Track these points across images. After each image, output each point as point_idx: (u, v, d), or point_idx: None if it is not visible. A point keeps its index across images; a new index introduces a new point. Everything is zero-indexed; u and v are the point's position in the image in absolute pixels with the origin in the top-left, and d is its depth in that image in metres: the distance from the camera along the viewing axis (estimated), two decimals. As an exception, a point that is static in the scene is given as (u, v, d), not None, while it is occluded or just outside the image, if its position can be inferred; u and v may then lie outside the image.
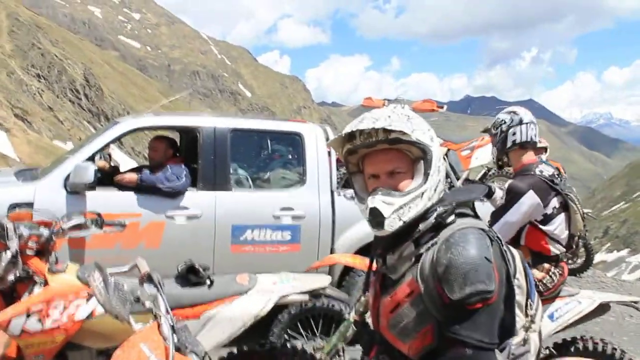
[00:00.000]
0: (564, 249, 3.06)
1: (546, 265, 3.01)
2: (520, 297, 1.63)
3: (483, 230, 1.54)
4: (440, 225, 1.56)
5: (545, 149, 5.89)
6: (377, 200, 1.55)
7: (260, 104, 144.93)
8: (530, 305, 1.68)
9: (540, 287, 2.96)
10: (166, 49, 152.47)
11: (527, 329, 1.67)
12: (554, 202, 2.99)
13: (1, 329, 2.35)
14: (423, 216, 1.57)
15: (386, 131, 1.53)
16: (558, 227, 3.00)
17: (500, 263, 1.51)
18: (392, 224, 1.55)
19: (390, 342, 1.63)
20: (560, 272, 3.03)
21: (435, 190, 1.58)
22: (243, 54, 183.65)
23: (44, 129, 35.02)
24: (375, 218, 1.56)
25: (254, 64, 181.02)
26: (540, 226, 2.98)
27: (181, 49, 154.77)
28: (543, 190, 2.95)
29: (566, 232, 3.04)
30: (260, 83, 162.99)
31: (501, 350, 1.54)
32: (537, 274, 2.98)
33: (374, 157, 1.60)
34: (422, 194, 1.55)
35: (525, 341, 1.66)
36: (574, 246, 3.13)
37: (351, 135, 1.60)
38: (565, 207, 3.02)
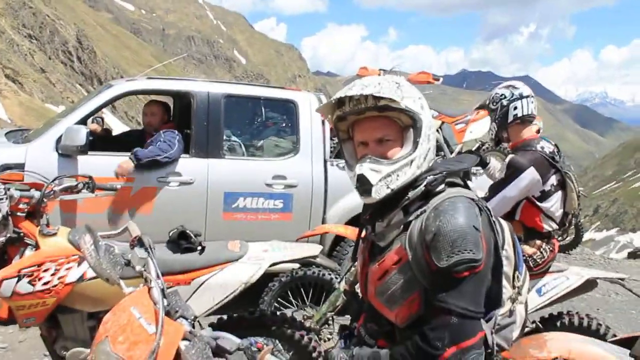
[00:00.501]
0: (557, 227, 3.07)
1: (538, 242, 3.02)
2: (507, 268, 1.64)
3: (472, 199, 1.53)
4: (429, 194, 1.55)
5: (538, 130, 5.88)
6: (364, 168, 1.54)
7: (255, 72, 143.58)
8: (518, 277, 1.69)
9: (530, 262, 2.98)
10: (161, 13, 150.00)
11: (513, 300, 1.68)
12: (553, 180, 2.99)
13: (-8, 291, 2.35)
14: (412, 184, 1.56)
15: (375, 98, 1.52)
16: (554, 204, 3.01)
17: (488, 233, 1.51)
18: (379, 192, 1.54)
19: (377, 309, 1.64)
20: (551, 248, 3.04)
21: (424, 158, 1.56)
22: (239, 20, 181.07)
23: (36, 91, 34.58)
24: (363, 185, 1.55)
25: (250, 30, 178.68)
26: (537, 203, 2.99)
27: (176, 13, 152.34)
28: (543, 167, 2.94)
29: (561, 210, 3.05)
30: (255, 50, 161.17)
31: (487, 321, 1.55)
32: (528, 249, 3.00)
33: (363, 124, 1.59)
34: (411, 161, 1.54)
35: (511, 312, 1.67)
36: (567, 224, 3.14)
37: (341, 102, 1.59)
38: (562, 185, 3.02)
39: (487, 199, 2.96)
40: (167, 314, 1.47)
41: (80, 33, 49.40)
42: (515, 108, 3.08)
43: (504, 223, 1.70)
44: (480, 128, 6.55)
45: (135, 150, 4.24)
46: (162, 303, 1.45)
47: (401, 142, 1.56)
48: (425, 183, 1.55)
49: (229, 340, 1.43)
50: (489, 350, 1.54)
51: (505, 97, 3.12)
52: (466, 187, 1.63)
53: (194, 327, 1.54)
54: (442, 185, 1.56)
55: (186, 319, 1.54)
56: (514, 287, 1.68)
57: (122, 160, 4.20)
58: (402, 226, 1.56)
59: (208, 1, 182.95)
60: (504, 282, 1.61)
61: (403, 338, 1.54)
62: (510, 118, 3.11)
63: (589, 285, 3.19)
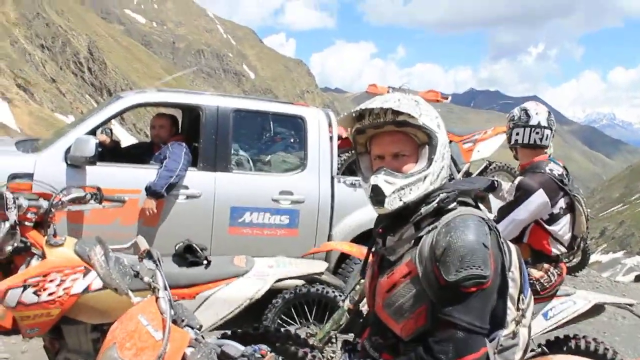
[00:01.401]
0: (565, 250, 3.04)
1: (545, 265, 2.99)
2: (513, 290, 1.66)
3: (482, 218, 1.58)
4: (441, 211, 1.60)
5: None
6: (379, 179, 1.60)
7: (264, 87, 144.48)
8: (523, 299, 1.71)
9: (537, 286, 2.95)
10: (172, 26, 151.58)
11: (517, 322, 1.70)
12: (561, 203, 2.96)
13: (-3, 300, 2.36)
14: (424, 200, 1.61)
15: (394, 113, 1.58)
16: (562, 227, 2.98)
17: (496, 252, 1.56)
18: (392, 203, 1.59)
19: (384, 322, 1.66)
20: (558, 272, 3.01)
21: (437, 176, 1.62)
22: (249, 35, 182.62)
23: (46, 101, 34.92)
24: (377, 196, 1.60)
25: (259, 45, 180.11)
26: (546, 226, 2.95)
27: (187, 26, 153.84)
28: (552, 190, 2.91)
29: (569, 234, 3.02)
30: (264, 65, 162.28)
31: (490, 341, 1.57)
32: (535, 272, 2.97)
33: (380, 138, 1.65)
34: (425, 177, 1.59)
35: (514, 334, 1.69)
36: (576, 247, 3.10)
37: (361, 115, 1.65)
38: (571, 207, 2.99)
39: (497, 221, 2.93)
40: (174, 322, 1.51)
41: (91, 44, 50.00)
42: (517, 134, 3.07)
43: (512, 246, 1.73)
44: (488, 147, 6.56)
45: (148, 186, 4.20)
46: (169, 312, 1.48)
47: (416, 158, 1.62)
48: (438, 200, 1.60)
49: (233, 347, 1.46)
50: None
51: (512, 120, 3.12)
52: (477, 207, 1.67)
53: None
54: (454, 204, 1.62)
55: (192, 327, 1.57)
56: (518, 309, 1.70)
57: (145, 202, 4.20)
58: (412, 241, 1.60)
59: (218, 15, 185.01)
60: (509, 303, 1.64)
61: (407, 352, 1.57)
62: (512, 142, 3.12)
63: (596, 309, 3.15)
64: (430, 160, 1.60)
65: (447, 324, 1.47)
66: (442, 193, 1.61)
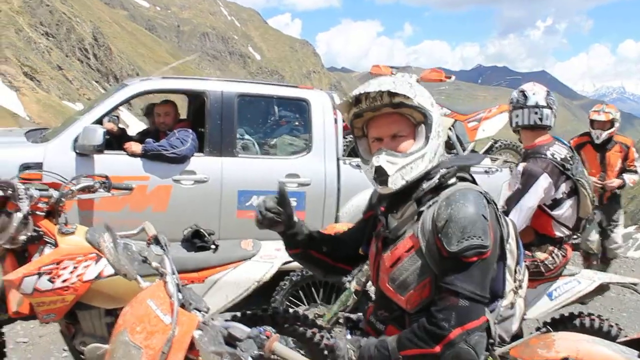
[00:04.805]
0: (570, 232, 3.04)
1: (550, 247, 3.00)
2: (510, 261, 1.73)
3: (481, 192, 1.64)
4: (441, 186, 1.66)
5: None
6: (381, 160, 1.64)
7: (270, 68, 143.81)
8: (519, 270, 1.79)
9: (542, 267, 2.96)
10: (176, 9, 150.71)
11: (515, 292, 1.77)
12: (564, 187, 2.95)
13: (14, 287, 2.43)
14: (426, 177, 1.67)
15: (390, 95, 1.62)
16: (566, 211, 2.97)
17: (495, 224, 1.62)
18: (395, 182, 1.64)
19: (389, 296, 1.72)
20: (563, 254, 3.02)
21: (435, 153, 1.67)
22: (253, 16, 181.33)
23: (53, 88, 35.03)
24: (380, 176, 1.65)
25: (264, 26, 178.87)
26: (548, 210, 2.95)
27: (191, 10, 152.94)
28: (554, 175, 2.90)
29: (574, 216, 3.01)
30: (270, 46, 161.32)
31: (491, 311, 1.64)
32: (539, 254, 2.98)
33: (378, 121, 1.70)
34: (423, 155, 1.64)
35: (512, 305, 1.76)
36: (581, 229, 3.10)
37: (357, 100, 1.69)
38: (575, 190, 2.97)
39: (507, 212, 2.91)
40: (182, 306, 1.55)
41: (96, 30, 49.90)
42: (517, 116, 3.07)
43: (508, 219, 1.80)
44: (493, 126, 6.55)
45: (148, 140, 4.42)
46: (176, 296, 1.53)
47: (413, 137, 1.67)
48: (439, 175, 1.66)
49: (239, 329, 1.51)
50: (491, 341, 1.63)
51: (512, 102, 3.11)
52: (474, 182, 1.73)
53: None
54: (454, 179, 1.68)
55: (200, 311, 1.61)
56: (515, 280, 1.77)
57: (134, 143, 4.39)
58: (415, 217, 1.66)
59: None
60: (507, 274, 1.71)
61: (413, 322, 1.63)
62: (513, 124, 3.12)
63: (602, 289, 3.14)
64: (427, 139, 1.65)
65: (449, 293, 1.53)
66: (441, 169, 1.67)
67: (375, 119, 1.70)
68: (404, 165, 1.63)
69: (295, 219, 1.93)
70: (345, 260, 2.01)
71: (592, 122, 5.54)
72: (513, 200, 2.96)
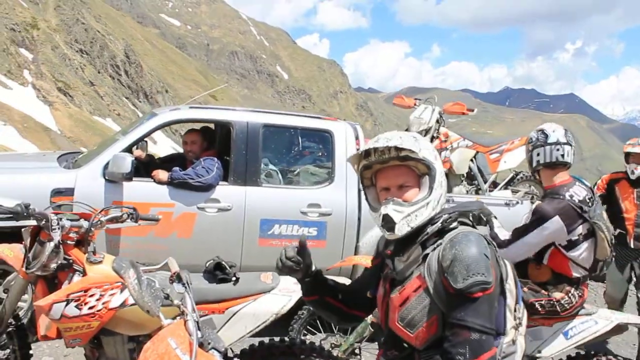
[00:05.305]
0: (587, 273, 3.02)
1: (566, 287, 3.00)
2: (510, 300, 1.82)
3: (481, 234, 1.77)
4: (444, 230, 1.81)
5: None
6: (389, 208, 1.79)
7: (297, 87, 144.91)
8: (518, 309, 1.89)
9: (557, 307, 2.97)
10: (206, 28, 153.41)
11: (515, 329, 1.85)
12: (580, 229, 2.93)
13: (44, 313, 2.55)
14: (429, 222, 1.81)
15: (397, 149, 1.78)
16: (583, 253, 2.96)
17: (495, 263, 1.74)
18: (401, 229, 1.79)
19: (398, 334, 1.83)
20: (580, 294, 3.01)
21: (438, 202, 1.82)
22: (282, 36, 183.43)
23: (85, 104, 35.86)
24: (388, 224, 1.80)
25: (293, 46, 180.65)
26: (564, 252, 2.95)
27: (220, 29, 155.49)
28: (570, 218, 2.89)
29: (591, 258, 2.99)
30: (297, 65, 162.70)
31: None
32: (556, 294, 2.98)
33: (386, 172, 1.85)
34: (427, 204, 1.80)
35: (514, 342, 1.84)
36: (599, 271, 3.06)
37: (367, 153, 1.85)
38: (592, 233, 2.95)
39: (510, 242, 2.97)
40: (201, 345, 1.64)
41: (128, 48, 51.08)
42: (538, 154, 3.07)
43: (506, 261, 1.91)
44: (515, 158, 6.56)
45: (175, 168, 4.54)
46: (196, 335, 1.62)
47: (418, 187, 1.82)
48: (441, 220, 1.82)
49: None
50: None
51: (531, 142, 3.13)
52: (473, 227, 1.87)
53: (225, 358, 1.69)
54: (455, 223, 1.83)
55: (218, 350, 1.70)
56: (515, 317, 1.86)
57: (161, 171, 4.52)
58: (420, 259, 1.78)
59: (252, 17, 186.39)
60: (507, 312, 1.80)
61: (424, 358, 1.74)
62: (534, 163, 3.12)
63: (619, 329, 3.13)
64: (430, 189, 1.80)
65: (460, 328, 1.64)
66: (444, 215, 1.82)
67: (383, 170, 1.86)
68: (410, 213, 1.78)
69: (314, 268, 2.07)
70: (359, 307, 2.15)
71: (627, 156, 5.08)
72: (517, 233, 2.99)
